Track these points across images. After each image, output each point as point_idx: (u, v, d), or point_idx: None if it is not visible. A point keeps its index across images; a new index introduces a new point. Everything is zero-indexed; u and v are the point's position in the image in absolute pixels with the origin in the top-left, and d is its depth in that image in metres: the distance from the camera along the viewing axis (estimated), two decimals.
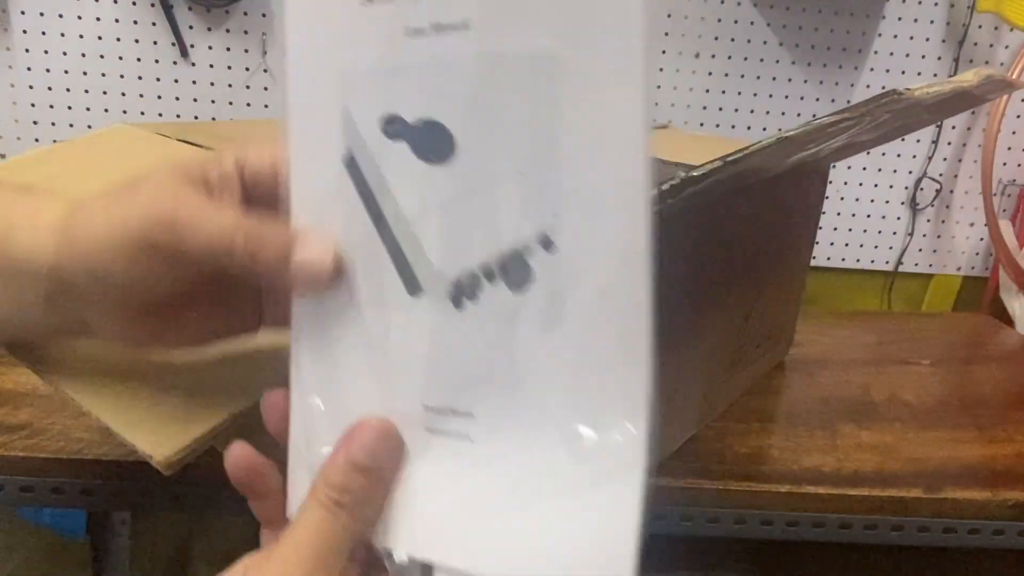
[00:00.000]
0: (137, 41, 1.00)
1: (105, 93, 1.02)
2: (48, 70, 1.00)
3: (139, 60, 1.01)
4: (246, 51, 1.01)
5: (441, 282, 0.25)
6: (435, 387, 0.26)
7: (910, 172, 1.14)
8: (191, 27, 1.00)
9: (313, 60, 0.27)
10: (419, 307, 0.26)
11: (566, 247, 0.23)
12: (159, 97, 1.03)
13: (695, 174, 0.40)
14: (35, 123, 1.02)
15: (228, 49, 1.01)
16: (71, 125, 1.02)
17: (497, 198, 0.24)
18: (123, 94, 1.02)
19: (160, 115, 1.03)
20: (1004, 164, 1.13)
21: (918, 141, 1.12)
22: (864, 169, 1.13)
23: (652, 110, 0.23)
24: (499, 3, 0.23)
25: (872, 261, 1.17)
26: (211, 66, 1.02)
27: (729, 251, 0.59)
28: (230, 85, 1.03)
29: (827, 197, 0.76)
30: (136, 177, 0.30)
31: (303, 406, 0.29)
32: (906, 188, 1.14)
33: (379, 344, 0.27)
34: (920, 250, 1.17)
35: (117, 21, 1.00)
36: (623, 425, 0.23)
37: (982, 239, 1.17)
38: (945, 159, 1.14)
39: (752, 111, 1.09)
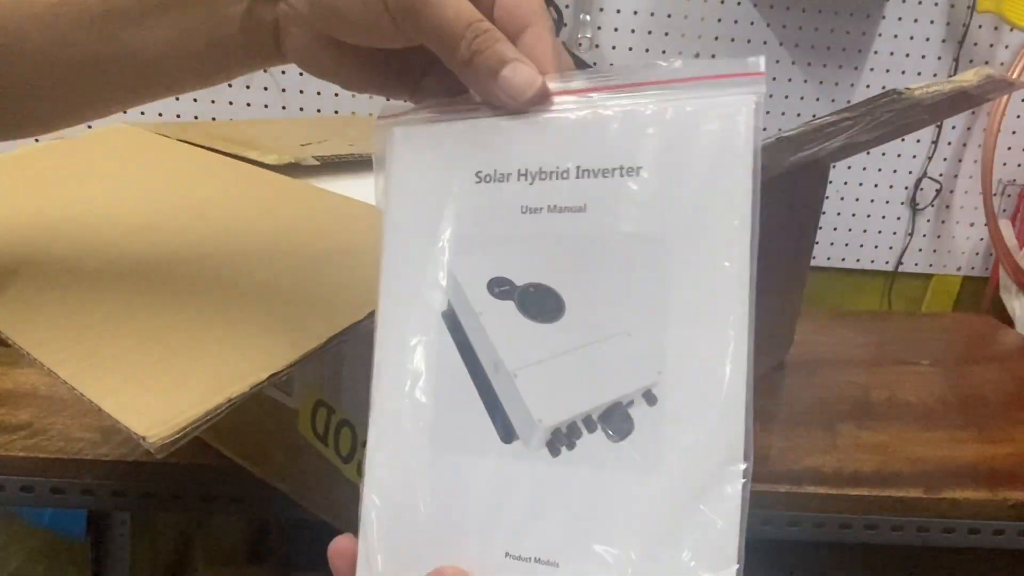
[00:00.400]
0: None
1: None
2: None
3: None
4: None
5: (539, 432, 0.26)
6: (520, 535, 0.26)
7: (910, 172, 1.14)
8: None
9: (415, 224, 0.29)
10: (511, 454, 0.26)
11: (669, 402, 0.25)
12: None
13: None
14: None
15: None
16: None
17: (603, 355, 0.26)
18: None
19: (160, 115, 1.03)
20: (1004, 164, 1.13)
21: (918, 141, 1.12)
22: (864, 169, 1.13)
23: (754, 277, 0.25)
24: (614, 193, 0.26)
25: (872, 261, 1.17)
26: None
27: None
28: (230, 85, 1.02)
29: (827, 197, 0.76)
30: None
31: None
32: (906, 188, 1.14)
33: (463, 490, 0.27)
34: (920, 250, 1.17)
35: None
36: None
37: (982, 239, 1.17)
38: (945, 159, 1.14)
39: None
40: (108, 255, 0.44)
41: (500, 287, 0.28)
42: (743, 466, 0.24)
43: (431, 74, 0.32)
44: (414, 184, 0.29)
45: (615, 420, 0.25)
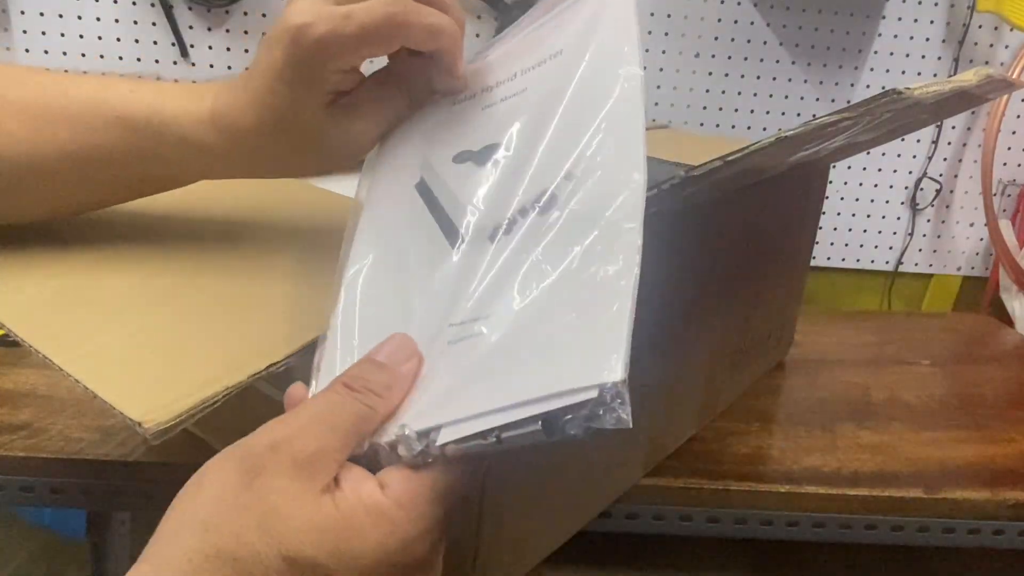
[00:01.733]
0: (137, 41, 1.01)
1: None
2: (48, 70, 1.00)
3: (139, 60, 1.01)
4: (246, 51, 1.01)
5: (481, 229, 0.33)
6: (461, 306, 0.31)
7: (910, 172, 1.14)
8: (191, 27, 1.00)
9: (404, 145, 0.40)
10: (458, 253, 0.33)
11: (581, 177, 0.32)
12: None
13: (695, 174, 0.40)
14: None
15: (228, 49, 1.01)
16: None
17: (533, 170, 0.33)
18: None
19: None
20: (1004, 164, 1.13)
21: (918, 141, 1.12)
22: (864, 169, 1.13)
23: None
24: (543, 73, 0.38)
25: (872, 261, 1.17)
26: (211, 66, 1.02)
27: (729, 251, 0.59)
28: None
29: (827, 197, 0.76)
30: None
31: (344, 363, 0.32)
32: (906, 188, 1.14)
33: (417, 291, 0.33)
34: (920, 250, 1.17)
35: (117, 21, 1.00)
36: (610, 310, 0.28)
37: (982, 239, 1.17)
38: (945, 159, 1.14)
39: (752, 111, 1.09)
40: (106, 248, 0.44)
41: (461, 155, 0.37)
42: (639, 216, 0.29)
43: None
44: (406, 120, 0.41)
45: (544, 202, 0.32)
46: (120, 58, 1.01)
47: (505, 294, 0.30)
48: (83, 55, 1.00)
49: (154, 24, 1.00)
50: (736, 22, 1.05)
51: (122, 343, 0.36)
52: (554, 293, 0.29)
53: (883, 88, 0.65)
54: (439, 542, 0.28)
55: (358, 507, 0.26)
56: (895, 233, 1.16)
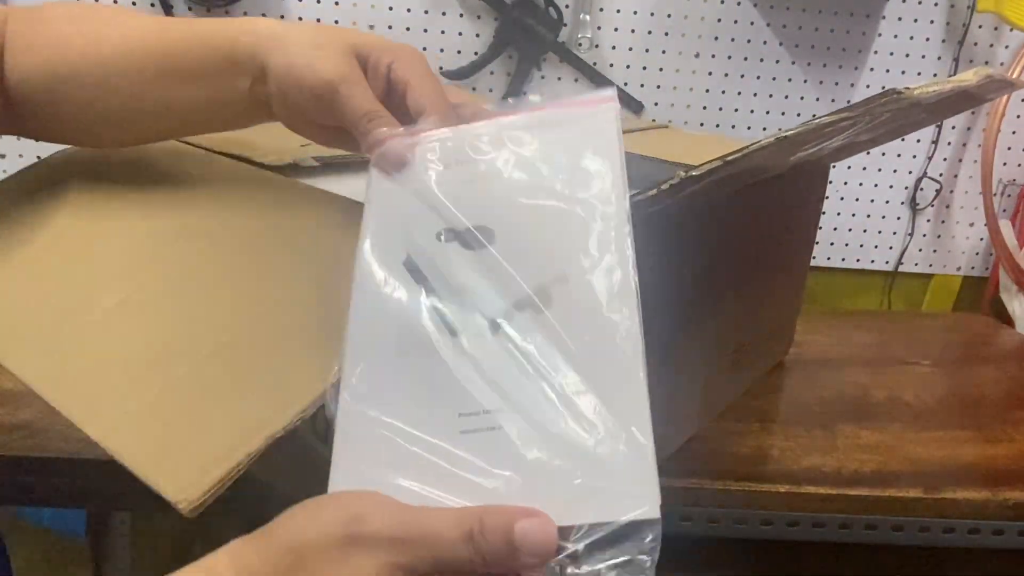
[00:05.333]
0: None
1: None
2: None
3: None
4: None
5: (481, 320, 0.34)
6: (469, 397, 0.32)
7: (910, 172, 1.14)
8: None
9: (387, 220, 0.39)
10: (458, 344, 0.33)
11: (575, 282, 0.34)
12: None
13: (695, 174, 0.40)
14: None
15: None
16: None
17: (529, 261, 0.35)
18: None
19: None
20: (1004, 164, 1.13)
21: (918, 141, 1.12)
22: (864, 169, 1.13)
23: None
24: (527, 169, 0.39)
25: (872, 261, 1.17)
26: None
27: (729, 251, 0.59)
28: None
29: (827, 197, 0.76)
30: (327, 29, 0.43)
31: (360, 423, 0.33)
32: (906, 188, 1.14)
33: (422, 379, 0.33)
34: (920, 250, 1.17)
35: None
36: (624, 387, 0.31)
37: (982, 239, 1.17)
38: (945, 159, 1.14)
39: (752, 111, 1.09)
40: (126, 297, 0.45)
41: (447, 235, 0.37)
42: (633, 306, 0.32)
43: None
44: (385, 197, 0.39)
45: (540, 297, 0.34)
46: None
47: (515, 385, 0.32)
48: None
49: None
50: (736, 22, 1.05)
51: (147, 409, 0.38)
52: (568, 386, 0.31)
53: (883, 88, 0.65)
54: None
55: None
56: (895, 233, 1.16)
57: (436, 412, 0.32)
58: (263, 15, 1.00)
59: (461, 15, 1.01)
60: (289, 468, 0.52)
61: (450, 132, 0.40)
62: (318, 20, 1.00)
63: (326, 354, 0.36)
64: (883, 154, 1.12)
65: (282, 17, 1.00)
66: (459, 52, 1.02)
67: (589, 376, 0.31)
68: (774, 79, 1.08)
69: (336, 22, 1.00)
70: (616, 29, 1.04)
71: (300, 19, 1.00)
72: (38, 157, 0.58)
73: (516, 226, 0.36)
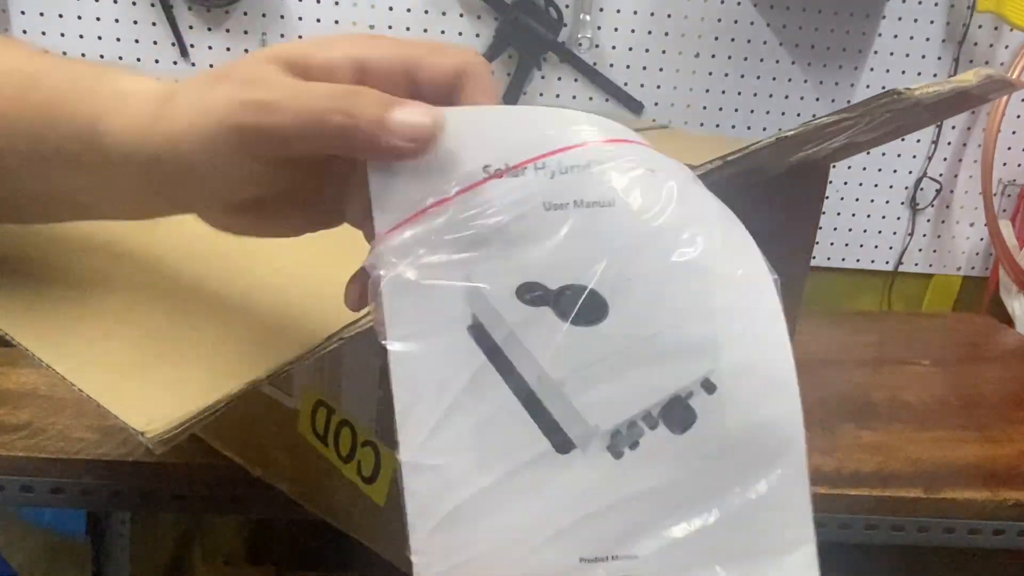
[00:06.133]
0: (137, 41, 1.00)
1: None
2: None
3: (139, 60, 1.01)
4: (246, 51, 1.01)
5: (598, 437, 0.26)
6: (594, 538, 0.26)
7: (910, 172, 1.14)
8: (191, 27, 1.00)
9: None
10: (572, 464, 0.26)
11: (726, 387, 0.25)
12: None
13: (695, 174, 0.40)
14: None
15: (228, 49, 1.01)
16: None
17: (655, 351, 0.25)
18: None
19: None
20: (1004, 164, 1.13)
21: (918, 141, 1.12)
22: (864, 169, 1.13)
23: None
24: (641, 185, 0.27)
25: (872, 261, 1.17)
26: (211, 66, 1.02)
27: None
28: None
29: (827, 197, 0.76)
30: (229, 64, 0.29)
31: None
32: (906, 188, 1.14)
33: (523, 504, 0.26)
34: (920, 250, 1.17)
35: (117, 21, 1.00)
36: (793, 553, 0.25)
37: (982, 239, 1.17)
38: (945, 159, 1.14)
39: (752, 111, 1.09)
40: (106, 253, 0.44)
41: (532, 293, 0.26)
42: (803, 441, 0.25)
43: (350, 203, 0.30)
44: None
45: (676, 414, 0.25)
46: (120, 58, 1.01)
47: (650, 531, 0.25)
48: (83, 55, 1.00)
49: (154, 24, 1.00)
50: (736, 22, 1.05)
51: (124, 350, 0.36)
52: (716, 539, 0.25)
53: (883, 88, 0.65)
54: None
55: None
56: (895, 233, 1.16)
57: (550, 552, 0.26)
58: (263, 15, 1.00)
59: (461, 15, 1.01)
60: (289, 468, 0.52)
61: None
62: (318, 20, 1.00)
63: (315, 321, 0.35)
64: (883, 154, 1.12)
65: (282, 17, 1.00)
66: None
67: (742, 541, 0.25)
68: (774, 79, 1.08)
69: (336, 22, 1.00)
70: (616, 29, 1.04)
71: (300, 19, 1.00)
72: None
73: (619, 277, 0.26)
